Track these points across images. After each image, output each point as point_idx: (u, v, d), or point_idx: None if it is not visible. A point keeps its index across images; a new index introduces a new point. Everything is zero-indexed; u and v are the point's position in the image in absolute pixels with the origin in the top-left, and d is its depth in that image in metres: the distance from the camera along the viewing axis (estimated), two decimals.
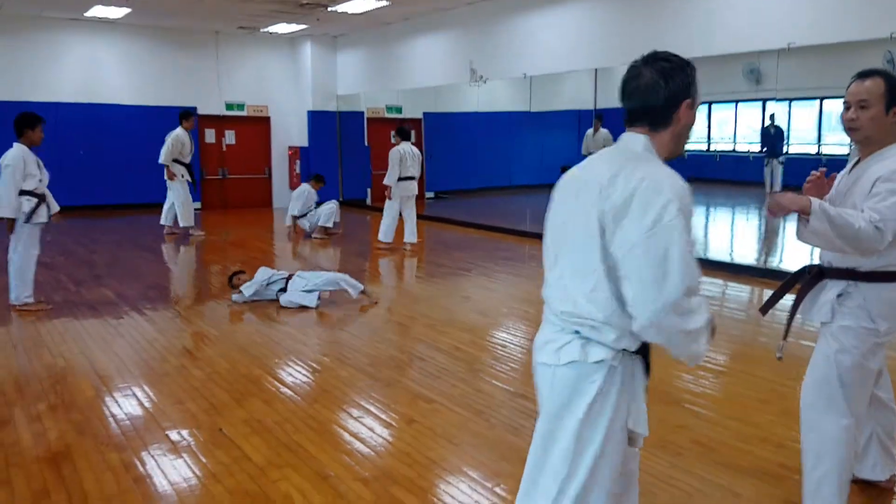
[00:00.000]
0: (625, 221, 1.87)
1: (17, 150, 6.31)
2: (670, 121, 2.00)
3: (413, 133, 10.57)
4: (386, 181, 9.90)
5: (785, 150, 15.52)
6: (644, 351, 2.04)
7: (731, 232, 12.35)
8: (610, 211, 1.89)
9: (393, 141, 10.10)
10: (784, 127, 17.05)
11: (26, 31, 12.84)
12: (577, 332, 1.99)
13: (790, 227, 12.18)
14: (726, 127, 18.50)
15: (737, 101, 17.70)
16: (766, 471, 3.39)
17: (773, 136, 15.11)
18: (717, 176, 17.70)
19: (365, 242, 11.57)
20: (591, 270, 1.94)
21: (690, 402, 4.26)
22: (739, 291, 7.52)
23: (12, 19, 12.64)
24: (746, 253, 9.99)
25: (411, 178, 9.97)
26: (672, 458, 3.52)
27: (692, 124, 2.05)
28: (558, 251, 2.07)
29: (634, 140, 2.02)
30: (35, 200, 6.38)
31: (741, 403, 4.30)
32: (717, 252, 10.09)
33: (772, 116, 15.29)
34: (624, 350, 1.98)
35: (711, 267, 8.46)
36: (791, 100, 16.42)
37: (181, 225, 11.00)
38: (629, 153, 2.00)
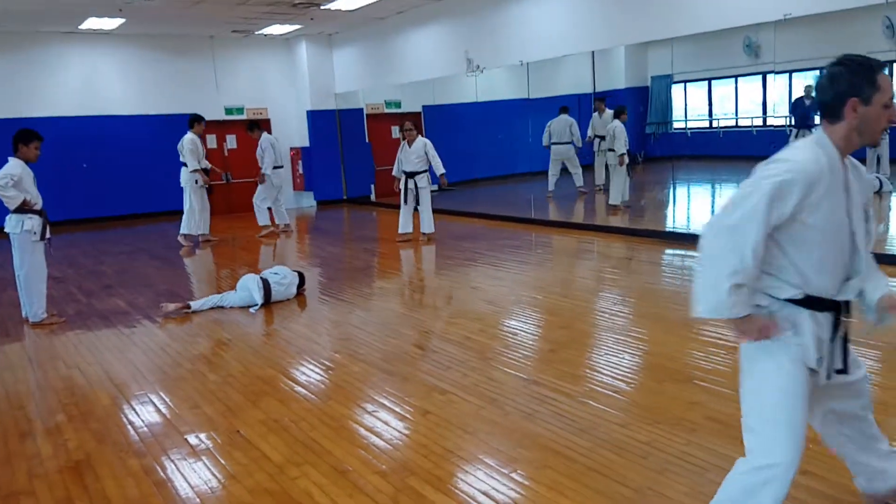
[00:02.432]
0: None
1: (15, 162, 6.26)
2: (841, 116, 2.26)
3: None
4: (441, 170, 9.82)
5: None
6: (811, 304, 2.32)
7: None
8: None
9: (406, 136, 9.91)
10: (785, 98, 16.88)
11: (22, 47, 12.90)
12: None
13: None
14: (728, 102, 18.41)
15: (737, 77, 17.61)
16: None
17: (807, 108, 14.85)
18: (720, 152, 17.62)
19: (373, 239, 11.62)
20: None
21: (702, 379, 4.27)
22: None
23: (7, 36, 12.70)
24: None
25: None
26: (687, 434, 3.53)
27: (875, 119, 2.25)
28: None
29: (812, 135, 2.33)
30: (38, 219, 6.37)
31: None
32: None
33: (808, 87, 15.04)
34: (786, 300, 2.32)
35: None
36: (791, 72, 16.31)
37: (195, 233, 10.87)
38: (795, 144, 2.34)
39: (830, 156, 2.27)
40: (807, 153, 2.26)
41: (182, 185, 10.78)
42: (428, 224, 10.01)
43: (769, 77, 17.11)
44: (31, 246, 6.39)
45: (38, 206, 6.40)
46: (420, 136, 9.97)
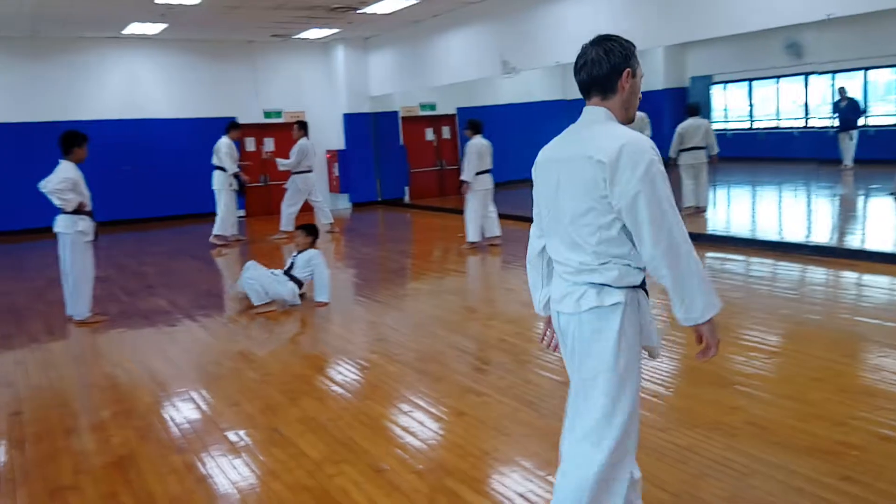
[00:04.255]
0: (618, 176, 2.12)
1: (69, 165, 6.38)
2: (616, 89, 2.27)
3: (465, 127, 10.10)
4: (464, 177, 9.49)
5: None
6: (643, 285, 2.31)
7: (779, 210, 12.10)
8: (606, 171, 2.14)
9: (465, 135, 9.81)
10: (828, 99, 16.51)
11: (66, 53, 13.23)
12: (590, 283, 2.24)
13: (830, 204, 11.85)
14: (769, 104, 18.11)
15: (778, 77, 17.30)
16: (823, 448, 3.34)
17: (845, 109, 14.58)
18: (760, 154, 17.33)
19: (407, 241, 11.67)
20: (595, 226, 2.20)
21: (743, 384, 4.21)
22: (790, 270, 7.38)
23: (51, 42, 13.04)
24: (795, 231, 9.78)
25: (488, 172, 9.61)
26: (727, 439, 3.48)
27: (637, 92, 2.32)
28: (557, 218, 2.31)
29: (595, 112, 2.29)
30: (89, 220, 6.52)
31: (795, 382, 4.24)
32: (766, 232, 9.91)
33: (842, 90, 14.76)
34: (630, 287, 2.26)
35: (760, 247, 8.32)
36: (834, 72, 15.99)
37: (227, 234, 11.19)
38: (597, 123, 2.27)
39: None
40: (628, 130, 2.24)
41: (215, 188, 11.15)
42: (468, 229, 9.83)
43: (812, 78, 16.76)
44: (83, 246, 6.54)
45: (89, 208, 6.57)
46: (477, 137, 9.45)
